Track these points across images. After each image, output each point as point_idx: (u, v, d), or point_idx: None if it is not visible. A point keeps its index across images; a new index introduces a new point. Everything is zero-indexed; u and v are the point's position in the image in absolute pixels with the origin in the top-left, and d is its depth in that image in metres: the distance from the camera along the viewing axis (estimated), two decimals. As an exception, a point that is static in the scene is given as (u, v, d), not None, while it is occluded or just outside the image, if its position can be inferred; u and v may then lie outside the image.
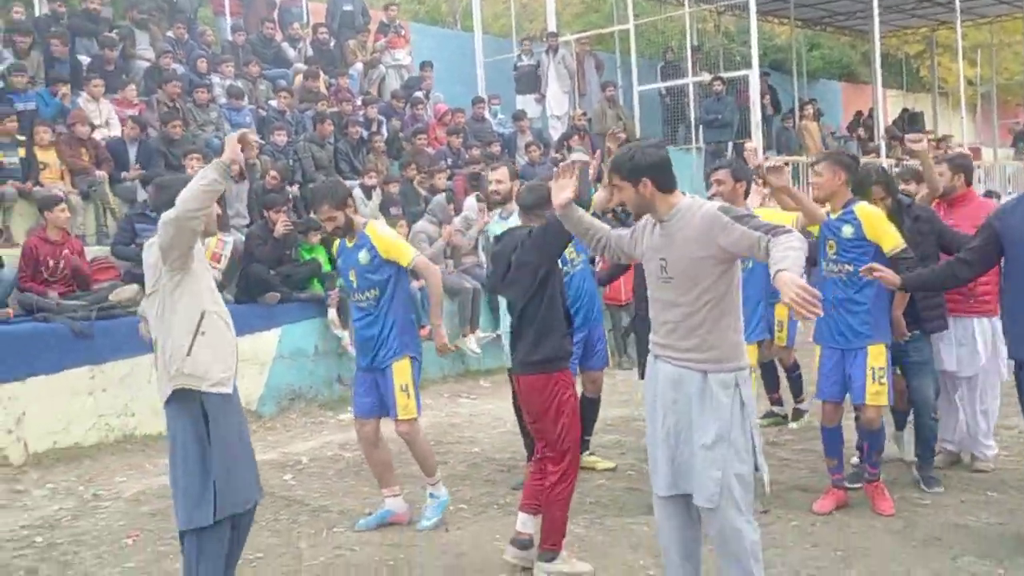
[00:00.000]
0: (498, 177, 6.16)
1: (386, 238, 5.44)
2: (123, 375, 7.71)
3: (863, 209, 5.36)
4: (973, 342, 6.10)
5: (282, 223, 9.05)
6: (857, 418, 5.66)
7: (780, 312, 7.40)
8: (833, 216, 5.44)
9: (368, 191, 10.86)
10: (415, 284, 8.22)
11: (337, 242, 5.64)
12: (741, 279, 3.82)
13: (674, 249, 3.71)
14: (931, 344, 5.91)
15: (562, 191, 4.10)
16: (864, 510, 5.53)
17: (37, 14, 12.64)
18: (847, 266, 5.36)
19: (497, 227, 5.87)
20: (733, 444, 3.65)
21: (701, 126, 15.56)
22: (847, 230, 5.35)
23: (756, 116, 14.86)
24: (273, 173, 9.91)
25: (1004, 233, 4.90)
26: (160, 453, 7.42)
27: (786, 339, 7.50)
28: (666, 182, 3.71)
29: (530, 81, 16.10)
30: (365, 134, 12.28)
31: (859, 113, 20.97)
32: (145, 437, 7.74)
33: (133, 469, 7.09)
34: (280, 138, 11.25)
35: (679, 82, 16.40)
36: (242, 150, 3.99)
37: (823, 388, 5.53)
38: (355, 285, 5.47)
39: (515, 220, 5.26)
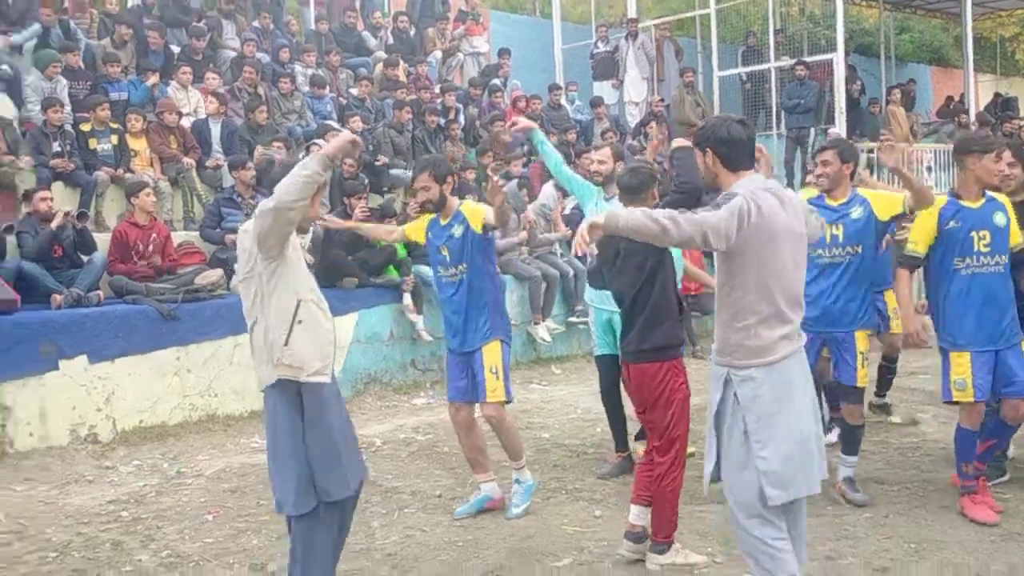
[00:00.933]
0: (600, 157, 6.09)
1: (477, 208, 5.45)
2: (207, 357, 7.96)
3: (1003, 197, 5.21)
4: None
5: (360, 209, 9.19)
6: (989, 413, 5.37)
7: (892, 299, 7.21)
8: (975, 206, 5.18)
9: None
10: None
11: (430, 219, 5.58)
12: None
13: None
14: None
15: None
16: (939, 503, 5.43)
17: (129, 5, 13.07)
18: (1003, 257, 5.14)
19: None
20: (726, 440, 3.63)
21: (783, 111, 15.28)
22: (1000, 218, 5.13)
23: (840, 101, 14.47)
24: (349, 161, 10.05)
25: None
26: (241, 433, 7.67)
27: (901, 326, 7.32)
28: (731, 158, 3.65)
29: (607, 67, 16.02)
30: (442, 122, 12.39)
31: (950, 98, 20.32)
32: (227, 417, 7.97)
33: (215, 448, 7.32)
34: (355, 125, 11.38)
35: (760, 67, 16.09)
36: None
37: (982, 388, 5.16)
38: (448, 259, 5.45)
39: (616, 202, 5.07)
